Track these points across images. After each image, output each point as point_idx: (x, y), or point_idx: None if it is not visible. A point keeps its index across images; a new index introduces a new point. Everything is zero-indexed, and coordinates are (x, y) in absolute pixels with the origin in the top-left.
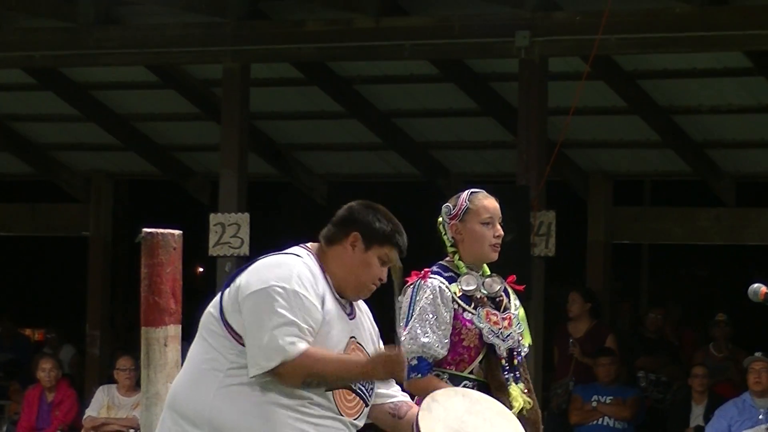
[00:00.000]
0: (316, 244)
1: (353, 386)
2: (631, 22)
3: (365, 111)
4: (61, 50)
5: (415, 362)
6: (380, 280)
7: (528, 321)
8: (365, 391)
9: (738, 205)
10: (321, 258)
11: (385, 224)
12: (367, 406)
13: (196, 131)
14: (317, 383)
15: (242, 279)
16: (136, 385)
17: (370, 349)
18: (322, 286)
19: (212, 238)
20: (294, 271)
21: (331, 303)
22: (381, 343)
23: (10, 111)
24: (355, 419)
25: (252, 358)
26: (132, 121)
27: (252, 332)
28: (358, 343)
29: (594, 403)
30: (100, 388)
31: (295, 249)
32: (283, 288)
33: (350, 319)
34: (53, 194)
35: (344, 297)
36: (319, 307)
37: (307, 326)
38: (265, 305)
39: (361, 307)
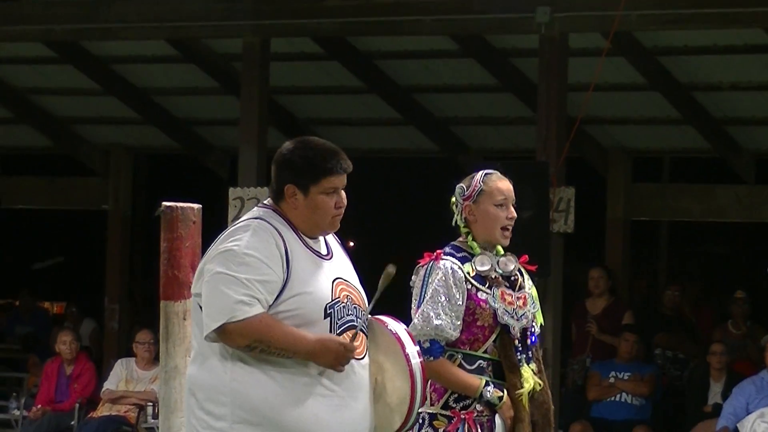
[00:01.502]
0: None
1: (355, 322)
2: None
3: (385, 86)
4: (81, 24)
5: (427, 345)
6: (338, 207)
7: (546, 297)
8: (363, 324)
9: (757, 183)
10: (281, 211)
11: (310, 159)
12: (367, 337)
13: (215, 105)
14: (261, 350)
15: (204, 256)
16: (154, 359)
17: (354, 280)
18: (290, 241)
19: (231, 213)
20: (246, 234)
21: (302, 256)
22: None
23: (30, 84)
24: (362, 358)
25: (204, 319)
26: (151, 95)
27: (205, 294)
28: (344, 280)
29: (612, 379)
30: (119, 361)
31: (254, 211)
32: (234, 252)
33: (328, 260)
34: (72, 168)
35: (316, 236)
36: (278, 268)
37: (259, 287)
38: (217, 269)
39: (332, 242)
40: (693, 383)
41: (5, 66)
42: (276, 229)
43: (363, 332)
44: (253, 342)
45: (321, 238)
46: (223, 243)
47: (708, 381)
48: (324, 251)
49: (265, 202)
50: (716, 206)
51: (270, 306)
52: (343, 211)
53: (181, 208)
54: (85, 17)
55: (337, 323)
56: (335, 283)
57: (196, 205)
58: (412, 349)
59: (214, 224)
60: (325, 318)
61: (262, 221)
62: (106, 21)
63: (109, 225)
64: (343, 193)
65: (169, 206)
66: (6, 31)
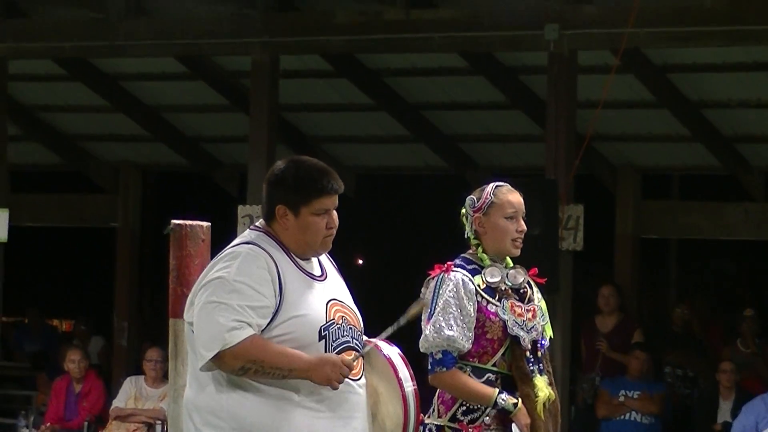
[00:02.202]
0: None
1: (351, 343)
2: (661, 16)
3: (394, 103)
4: (90, 41)
5: (440, 356)
6: (329, 228)
7: (556, 314)
8: (359, 344)
9: (767, 200)
10: (272, 233)
11: (301, 179)
12: (363, 357)
13: (224, 123)
14: (255, 371)
15: (196, 283)
16: (163, 377)
17: (349, 300)
18: (282, 263)
19: (240, 230)
20: (236, 262)
21: (295, 278)
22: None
23: (40, 101)
24: (359, 378)
25: (198, 349)
26: (161, 112)
27: (196, 325)
28: (338, 301)
29: (621, 398)
30: (128, 379)
31: (245, 234)
32: (222, 279)
33: (321, 281)
34: (82, 185)
35: (309, 257)
36: (270, 293)
37: (251, 312)
38: (206, 299)
39: (326, 263)
40: (702, 401)
41: (15, 83)
42: (268, 253)
43: (359, 353)
44: (246, 363)
45: (314, 258)
46: (212, 271)
47: (717, 399)
48: (317, 272)
49: (257, 224)
50: (725, 224)
51: (264, 330)
52: (335, 231)
53: (191, 226)
54: (94, 34)
55: (332, 345)
56: (329, 304)
57: (205, 223)
58: (405, 374)
59: (223, 242)
60: (319, 340)
61: (253, 246)
62: (116, 38)
63: (118, 242)
64: (334, 213)
65: (179, 224)
66: (15, 48)
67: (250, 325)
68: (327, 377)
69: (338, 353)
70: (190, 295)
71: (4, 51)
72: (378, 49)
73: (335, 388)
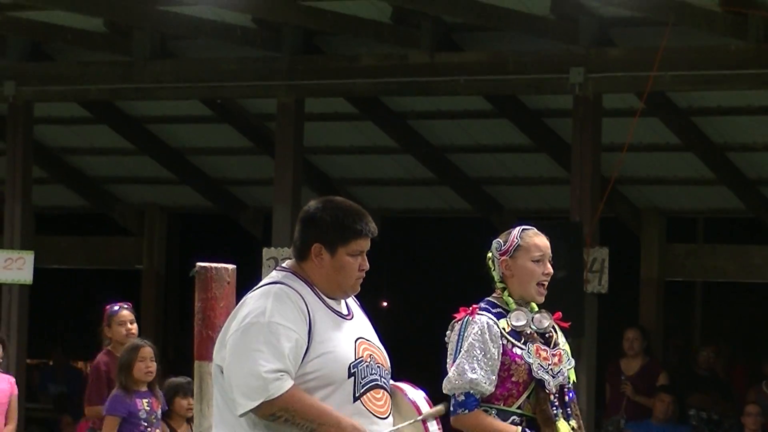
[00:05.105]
0: (292, 261)
1: (379, 381)
2: (686, 59)
3: (419, 146)
4: (116, 84)
5: (462, 398)
6: (362, 270)
7: (581, 357)
8: (387, 382)
9: None
10: (302, 273)
11: (340, 220)
12: (390, 395)
13: (249, 165)
14: (285, 419)
15: (226, 324)
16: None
17: (376, 340)
18: (311, 302)
19: (265, 273)
20: (268, 302)
21: (324, 316)
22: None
23: (66, 144)
24: (386, 417)
25: (237, 398)
26: (186, 154)
27: (233, 371)
28: (366, 340)
29: None
30: None
31: (273, 274)
32: (259, 324)
33: (349, 320)
34: (107, 227)
35: (337, 298)
36: (303, 331)
37: (288, 356)
38: (242, 344)
39: (351, 302)
40: None
41: (40, 126)
42: (297, 292)
43: (386, 391)
44: (278, 411)
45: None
46: (244, 312)
47: None
48: (345, 311)
49: (283, 264)
50: (751, 266)
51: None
52: (365, 275)
53: (216, 268)
54: (120, 77)
55: (360, 382)
56: (358, 342)
57: (230, 266)
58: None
59: (249, 284)
60: (349, 377)
61: (282, 285)
62: (142, 81)
63: (143, 284)
64: (365, 256)
65: (204, 266)
66: (42, 91)
67: (288, 374)
68: None
69: (366, 391)
70: (219, 337)
71: (29, 94)
72: (403, 91)
73: None
